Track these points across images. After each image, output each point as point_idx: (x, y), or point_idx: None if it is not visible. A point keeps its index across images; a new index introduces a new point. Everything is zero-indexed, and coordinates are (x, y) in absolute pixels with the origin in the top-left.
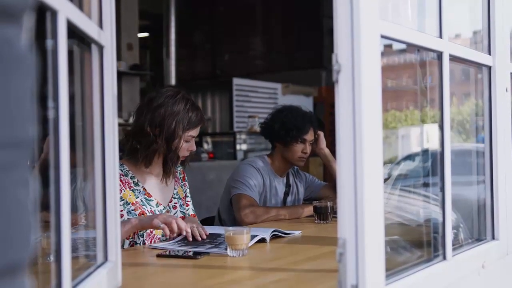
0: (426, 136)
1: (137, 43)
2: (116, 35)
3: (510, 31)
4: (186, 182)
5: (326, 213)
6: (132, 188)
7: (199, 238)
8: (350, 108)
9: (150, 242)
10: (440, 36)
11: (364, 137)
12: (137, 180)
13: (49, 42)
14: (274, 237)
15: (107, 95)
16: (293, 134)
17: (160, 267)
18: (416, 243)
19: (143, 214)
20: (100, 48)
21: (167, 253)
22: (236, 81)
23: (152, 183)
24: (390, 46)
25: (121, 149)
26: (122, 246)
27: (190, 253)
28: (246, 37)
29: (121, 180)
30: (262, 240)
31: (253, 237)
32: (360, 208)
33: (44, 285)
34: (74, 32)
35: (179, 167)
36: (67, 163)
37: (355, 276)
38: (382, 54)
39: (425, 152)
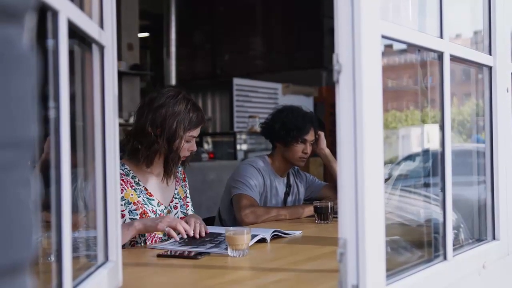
0: (426, 136)
1: (138, 43)
2: (116, 35)
3: (511, 31)
4: (187, 183)
5: (326, 213)
6: (134, 188)
7: (197, 236)
8: (350, 108)
9: (151, 242)
10: (441, 36)
11: (364, 137)
12: (138, 180)
13: (50, 42)
14: (275, 237)
15: (107, 95)
16: (294, 134)
17: (160, 267)
18: (416, 243)
19: (144, 213)
20: (101, 48)
21: (168, 253)
22: (236, 81)
23: (153, 183)
24: (390, 46)
25: (122, 149)
26: (123, 246)
27: (191, 253)
28: (246, 37)
29: (122, 180)
30: (263, 240)
31: (253, 237)
32: (360, 208)
33: (45, 285)
34: (75, 32)
35: (179, 167)
36: (68, 163)
37: (356, 276)
38: (383, 54)
39: (425, 152)
